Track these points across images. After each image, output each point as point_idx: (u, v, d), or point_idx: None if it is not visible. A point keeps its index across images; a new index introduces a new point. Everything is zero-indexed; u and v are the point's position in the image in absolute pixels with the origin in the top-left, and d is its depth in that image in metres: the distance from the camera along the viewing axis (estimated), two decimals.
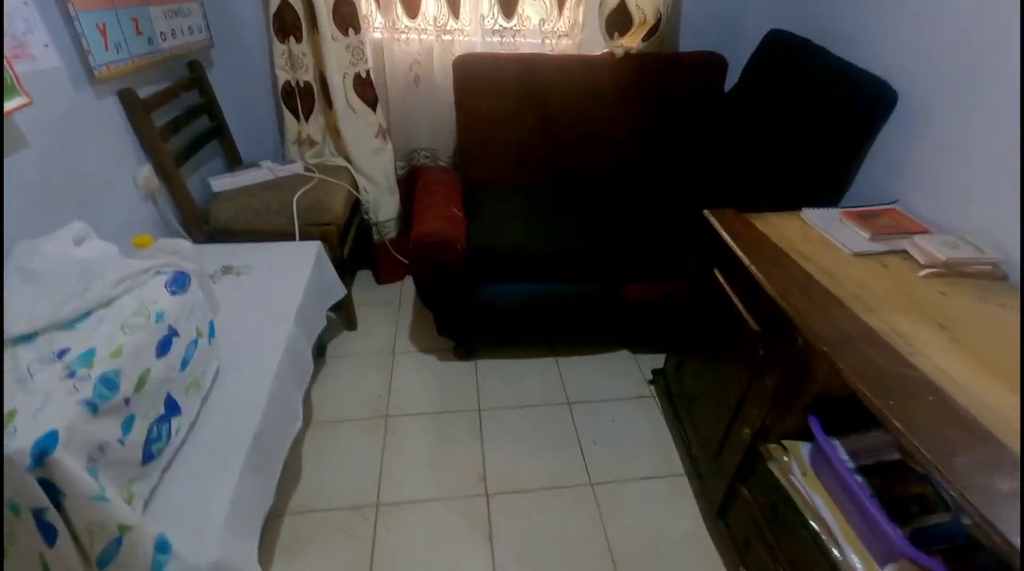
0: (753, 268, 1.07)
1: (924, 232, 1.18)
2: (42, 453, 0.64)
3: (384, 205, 1.99)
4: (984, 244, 1.08)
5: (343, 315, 1.86)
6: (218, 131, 1.81)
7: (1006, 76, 1.07)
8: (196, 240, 1.61)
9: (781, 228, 1.23)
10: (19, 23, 1.04)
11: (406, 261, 2.12)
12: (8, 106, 0.97)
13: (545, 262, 1.50)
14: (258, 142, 1.98)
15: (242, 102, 1.90)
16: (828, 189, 1.48)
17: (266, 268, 1.43)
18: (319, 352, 1.76)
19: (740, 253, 1.12)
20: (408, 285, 2.14)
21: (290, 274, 1.42)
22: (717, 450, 1.23)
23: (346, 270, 1.77)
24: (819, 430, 0.93)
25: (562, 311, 1.63)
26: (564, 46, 1.88)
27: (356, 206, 1.91)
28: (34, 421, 0.67)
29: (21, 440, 0.64)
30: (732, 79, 1.83)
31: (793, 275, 1.05)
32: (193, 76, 1.69)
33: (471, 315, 1.61)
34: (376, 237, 2.03)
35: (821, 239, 1.19)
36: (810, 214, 1.27)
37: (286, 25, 1.66)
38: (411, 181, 2.01)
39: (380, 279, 2.14)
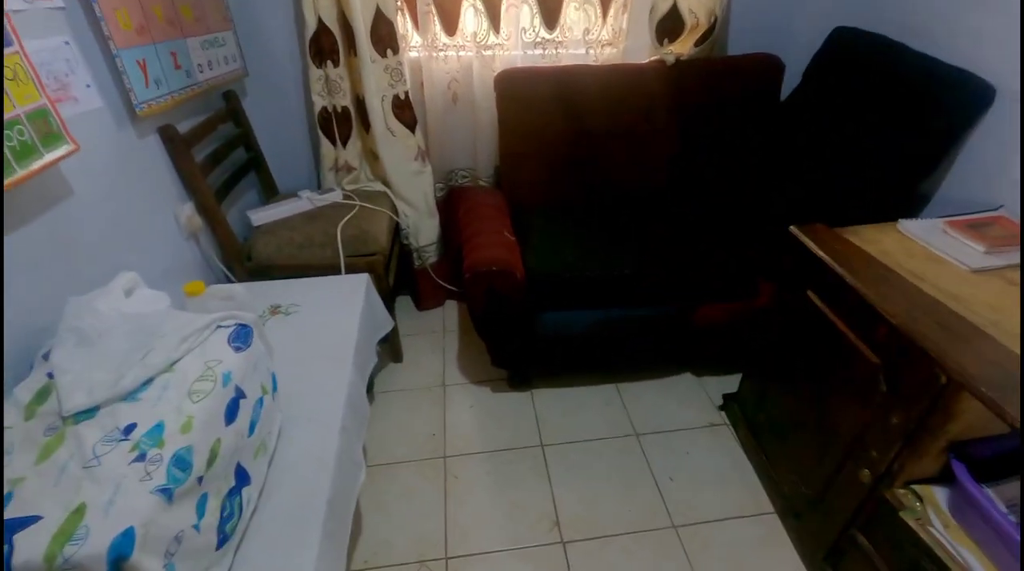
0: (864, 290, 0.96)
1: None
2: (119, 558, 0.56)
3: (424, 229, 1.91)
4: None
5: (389, 347, 1.78)
6: (255, 162, 1.75)
7: None
8: (239, 278, 1.55)
9: (880, 243, 1.12)
10: (61, 64, 0.98)
11: (448, 286, 2.04)
12: (55, 154, 0.90)
13: (612, 287, 1.40)
14: (293, 171, 1.92)
15: (276, 131, 1.84)
16: (916, 197, 1.37)
17: (315, 305, 1.36)
18: (367, 388, 1.67)
19: (843, 273, 1.01)
20: (451, 310, 2.06)
21: (341, 311, 1.34)
22: (821, 491, 1.12)
23: (391, 298, 1.69)
24: (968, 477, 0.82)
25: (627, 336, 1.53)
26: (608, 55, 1.80)
27: (396, 231, 1.84)
28: (106, 518, 0.59)
29: (95, 543, 0.56)
30: (788, 84, 1.72)
31: (913, 298, 0.94)
32: (229, 107, 1.63)
33: (530, 345, 1.51)
34: (417, 262, 1.95)
35: (928, 254, 1.08)
36: (909, 226, 1.16)
37: (323, 50, 1.59)
38: (450, 202, 1.93)
39: (421, 305, 2.06)
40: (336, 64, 1.62)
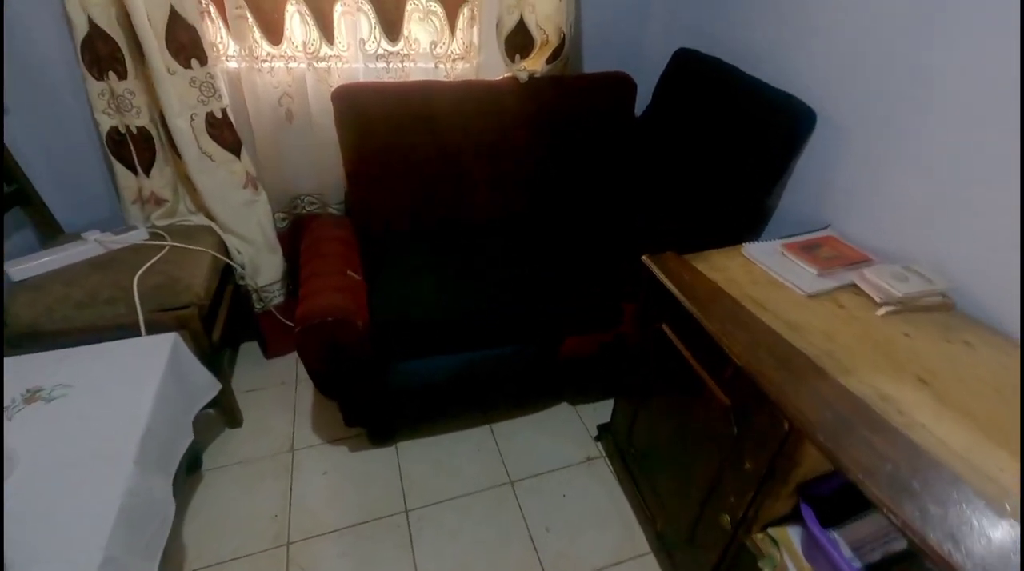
0: (710, 327, 0.92)
1: (867, 261, 1.10)
2: None
3: (265, 267, 1.65)
4: (929, 272, 1.01)
5: (222, 410, 1.50)
6: (21, 198, 1.38)
7: (930, 88, 1.01)
8: None
9: (727, 270, 1.10)
10: None
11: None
12: None
13: (468, 330, 1.27)
14: (88, 207, 1.56)
15: (56, 156, 1.48)
16: (755, 216, 1.40)
17: (93, 383, 1.07)
18: (193, 466, 1.39)
19: (692, 308, 0.97)
20: None
21: (130, 387, 1.06)
22: (690, 531, 1.07)
23: (219, 354, 1.42)
24: (815, 524, 0.79)
25: (491, 379, 1.41)
26: (461, 70, 1.68)
27: (228, 272, 1.56)
28: None
29: None
30: (642, 102, 1.73)
31: (757, 334, 0.90)
32: None
33: (383, 400, 1.34)
34: (258, 306, 1.68)
35: (769, 279, 1.08)
36: (752, 250, 1.16)
37: (100, 58, 1.29)
38: (296, 234, 1.69)
39: (269, 352, 1.79)
40: (122, 76, 1.32)
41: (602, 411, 1.58)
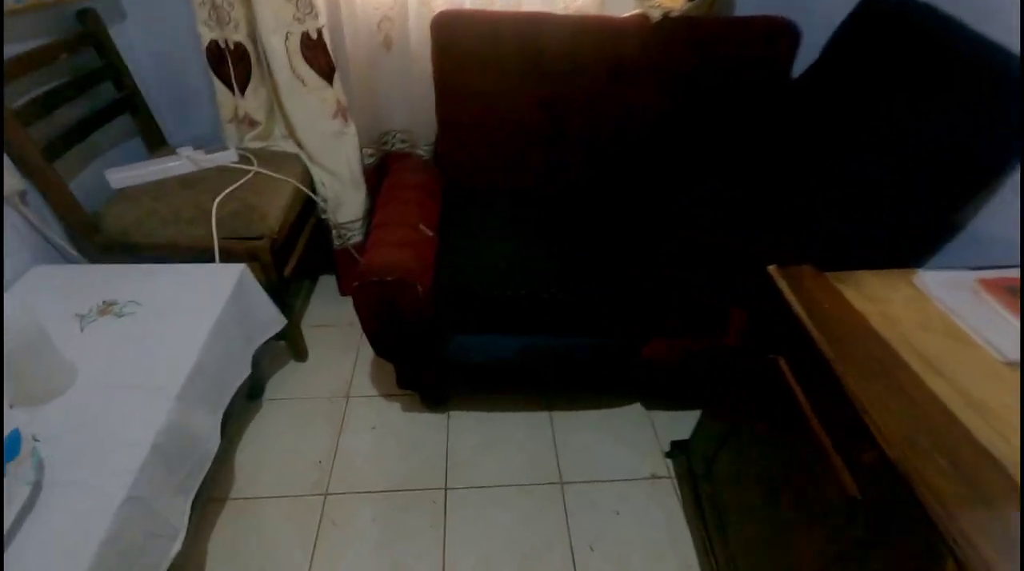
0: (853, 390, 0.67)
1: None
2: None
3: (348, 203, 1.59)
4: None
5: (290, 343, 1.50)
6: (130, 105, 1.41)
7: None
8: (89, 257, 1.25)
9: (887, 302, 0.82)
10: None
11: None
12: None
13: (540, 313, 1.11)
14: (194, 121, 1.58)
15: (167, 67, 1.49)
16: (939, 230, 1.05)
17: (160, 304, 1.07)
18: (254, 393, 1.41)
19: (830, 355, 0.72)
20: None
21: (192, 316, 1.05)
22: None
23: (290, 288, 1.40)
24: None
25: (558, 367, 1.25)
26: (581, 4, 1.42)
27: (310, 205, 1.52)
28: None
29: None
30: (804, 59, 1.36)
31: (922, 411, 0.65)
32: (86, 31, 1.27)
33: (439, 369, 1.24)
34: (337, 242, 1.64)
35: (950, 328, 0.78)
36: (930, 281, 0.85)
37: None
38: (383, 172, 1.60)
39: (344, 290, 1.77)
40: None
41: (682, 423, 1.37)
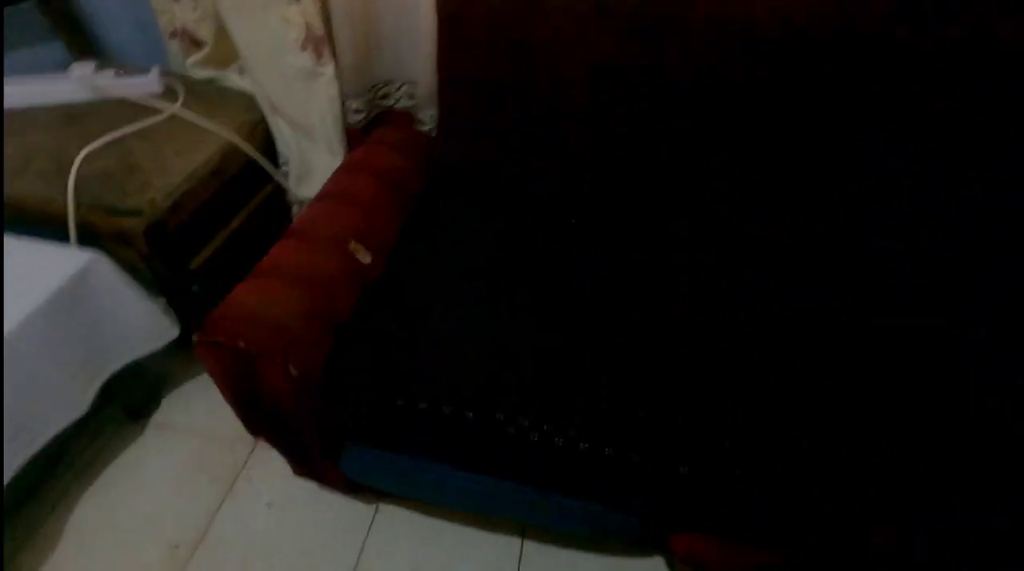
0: None
1: None
2: None
3: (317, 171, 1.15)
4: None
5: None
6: None
7: None
8: None
9: None
10: None
11: None
12: None
13: (511, 450, 0.62)
14: (142, 24, 1.17)
15: None
16: None
17: None
18: (136, 413, 1.05)
19: None
20: None
21: None
22: None
23: (198, 285, 1.00)
24: None
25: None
26: None
27: (260, 170, 1.09)
28: None
29: None
30: None
31: None
32: None
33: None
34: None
35: None
36: None
37: None
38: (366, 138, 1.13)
39: None
40: None
41: None
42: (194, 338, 0.61)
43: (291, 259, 0.69)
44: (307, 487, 0.98)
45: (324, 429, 0.68)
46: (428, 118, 1.11)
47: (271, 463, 1.01)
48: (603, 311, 0.74)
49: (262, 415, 0.68)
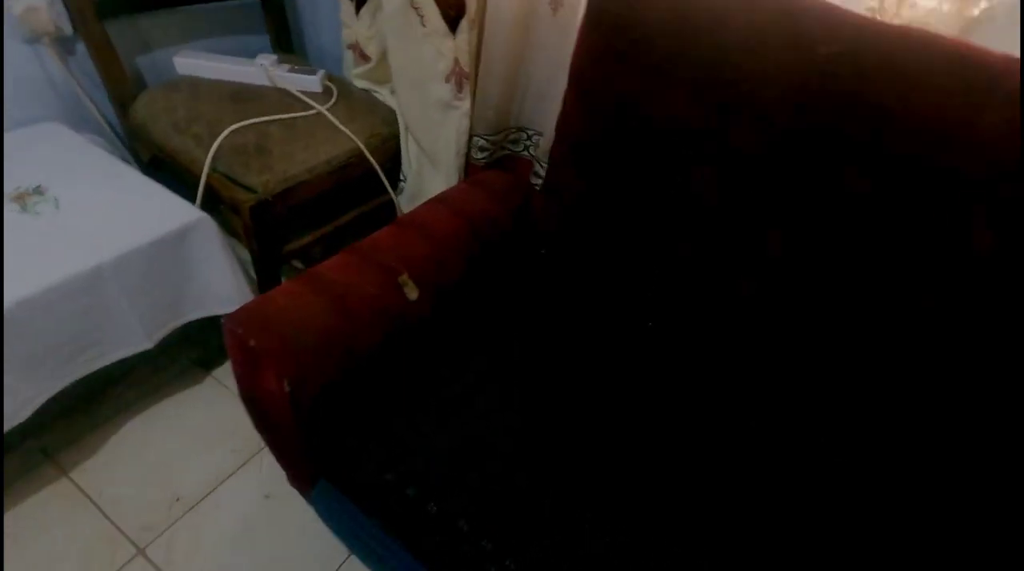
0: None
1: None
2: None
3: (429, 195, 1.17)
4: None
5: None
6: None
7: None
8: (119, 130, 1.09)
9: None
10: None
11: None
12: None
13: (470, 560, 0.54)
14: (328, 35, 1.33)
15: None
16: None
17: (77, 219, 0.82)
18: (206, 362, 1.14)
19: None
20: None
21: (81, 246, 0.77)
22: None
23: (278, 266, 1.06)
24: None
25: None
26: (925, 14, 0.69)
27: (376, 179, 1.14)
28: None
29: None
30: None
31: None
32: None
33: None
34: None
35: None
36: None
37: None
38: (490, 175, 1.14)
39: None
40: None
41: None
42: (223, 319, 0.63)
43: (337, 273, 0.69)
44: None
45: (306, 454, 0.65)
46: (543, 172, 1.08)
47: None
48: (631, 447, 0.63)
49: (255, 411, 0.68)
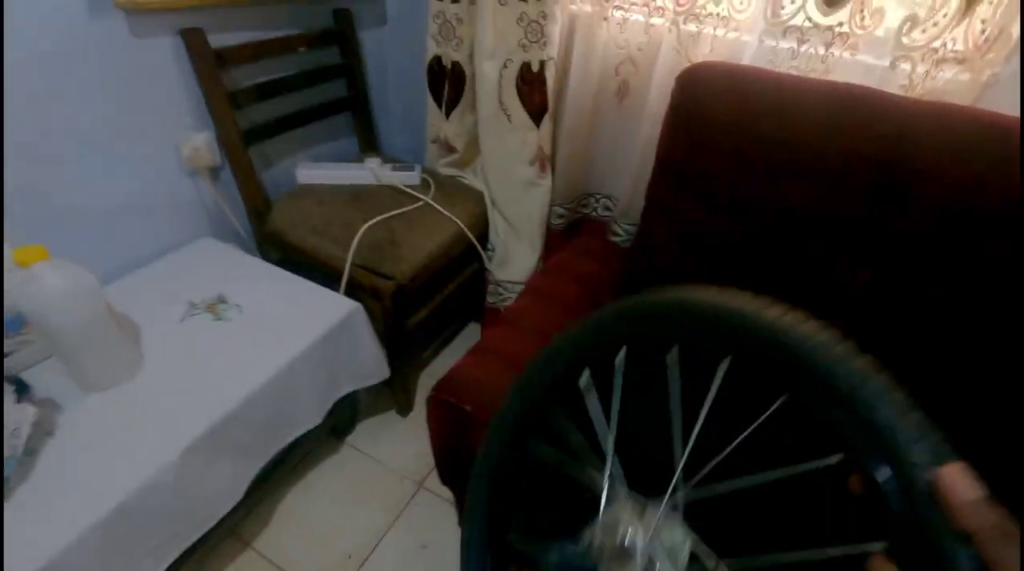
0: None
1: None
2: None
3: (515, 262, 1.34)
4: None
5: (396, 392, 1.32)
6: (353, 105, 1.39)
7: None
8: (255, 241, 1.25)
9: None
10: None
11: None
12: None
13: None
14: (408, 132, 1.53)
15: (404, 76, 1.46)
16: None
17: (258, 318, 0.97)
18: (340, 431, 1.27)
19: None
20: None
21: (269, 351, 0.92)
22: None
23: (408, 339, 1.21)
24: None
25: None
26: (945, 85, 0.87)
27: (471, 249, 1.31)
28: None
29: None
30: None
31: None
32: (335, 28, 1.28)
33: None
34: (491, 299, 1.41)
35: None
36: None
37: None
38: (567, 240, 1.31)
39: None
40: None
41: None
42: (430, 394, 0.78)
43: (504, 344, 0.84)
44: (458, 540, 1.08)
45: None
46: (622, 230, 1.24)
47: (431, 508, 1.14)
48: None
49: (460, 469, 0.81)
